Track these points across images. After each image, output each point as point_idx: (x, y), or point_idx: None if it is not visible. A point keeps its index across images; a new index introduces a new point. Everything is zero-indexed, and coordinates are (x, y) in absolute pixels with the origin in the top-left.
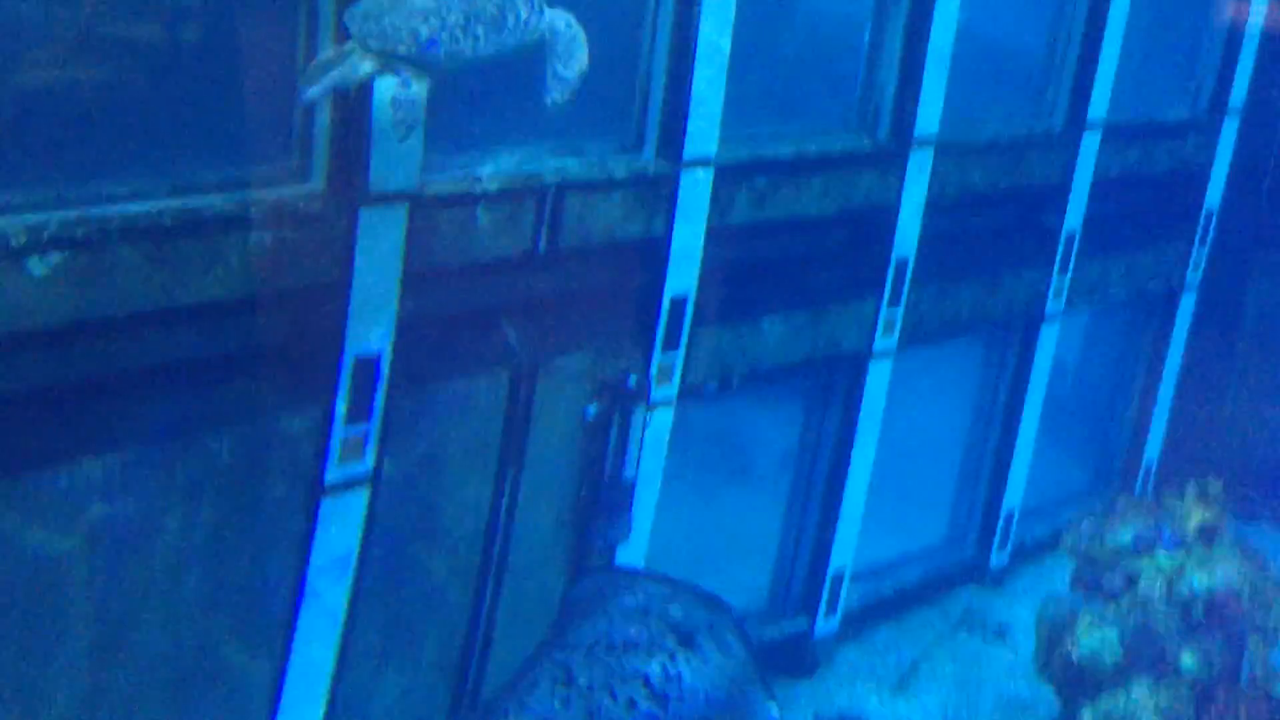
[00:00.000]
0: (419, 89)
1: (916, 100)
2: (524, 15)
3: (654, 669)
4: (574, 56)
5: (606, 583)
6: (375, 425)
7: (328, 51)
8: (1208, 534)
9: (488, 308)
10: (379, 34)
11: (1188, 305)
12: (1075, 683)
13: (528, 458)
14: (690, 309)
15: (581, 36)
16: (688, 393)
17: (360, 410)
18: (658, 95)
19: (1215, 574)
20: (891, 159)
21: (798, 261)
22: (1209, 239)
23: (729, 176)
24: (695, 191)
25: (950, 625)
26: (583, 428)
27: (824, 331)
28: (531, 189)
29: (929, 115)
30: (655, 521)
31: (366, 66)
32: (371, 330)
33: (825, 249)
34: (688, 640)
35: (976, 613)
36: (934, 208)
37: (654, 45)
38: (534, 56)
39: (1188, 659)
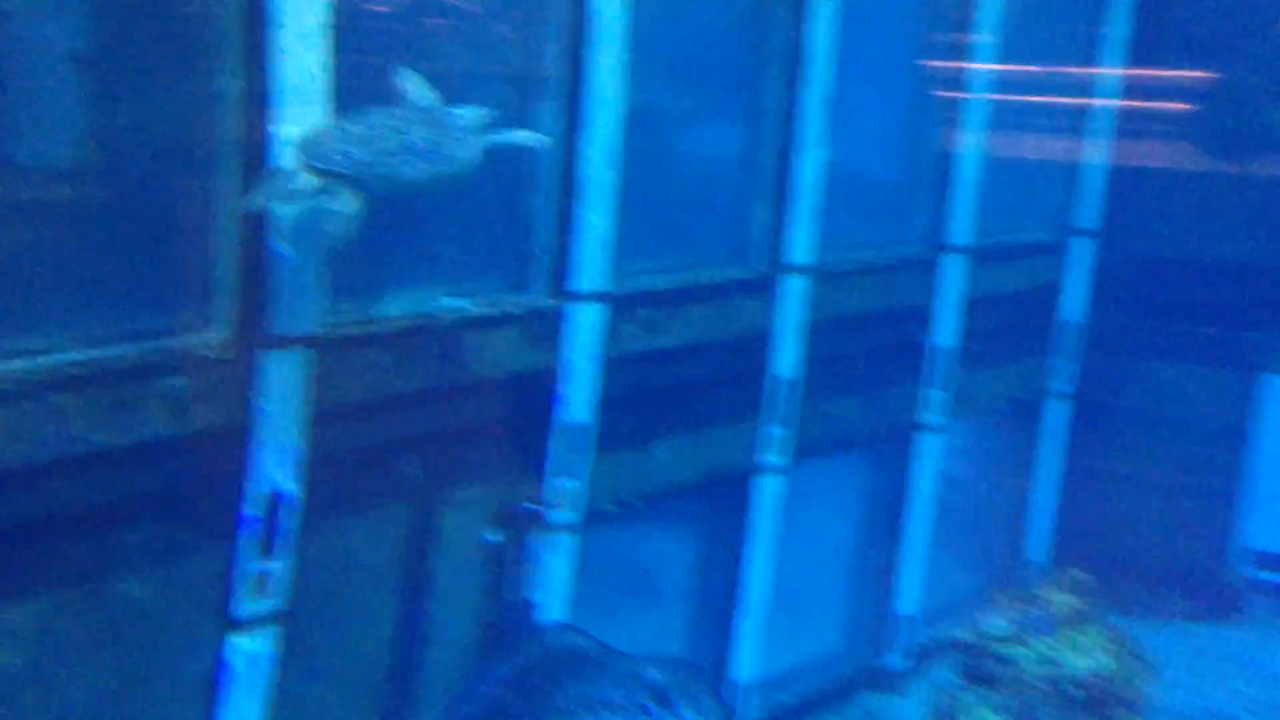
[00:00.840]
0: (353, 206)
1: (786, 231)
2: (452, 149)
3: None
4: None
5: (577, 646)
6: (283, 561)
7: (275, 170)
8: (1078, 619)
9: (390, 443)
10: (321, 155)
11: (1059, 413)
12: None
13: (434, 586)
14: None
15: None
16: (586, 517)
17: (269, 547)
18: (547, 234)
19: (1086, 656)
20: (767, 286)
21: (685, 387)
22: (1075, 350)
23: (616, 309)
24: (585, 324)
25: None
26: (486, 555)
27: (713, 452)
28: (428, 328)
29: (800, 244)
30: None
31: (307, 183)
32: (278, 469)
33: (710, 373)
34: (663, 699)
35: (877, 717)
36: (810, 330)
37: (543, 186)
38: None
39: None
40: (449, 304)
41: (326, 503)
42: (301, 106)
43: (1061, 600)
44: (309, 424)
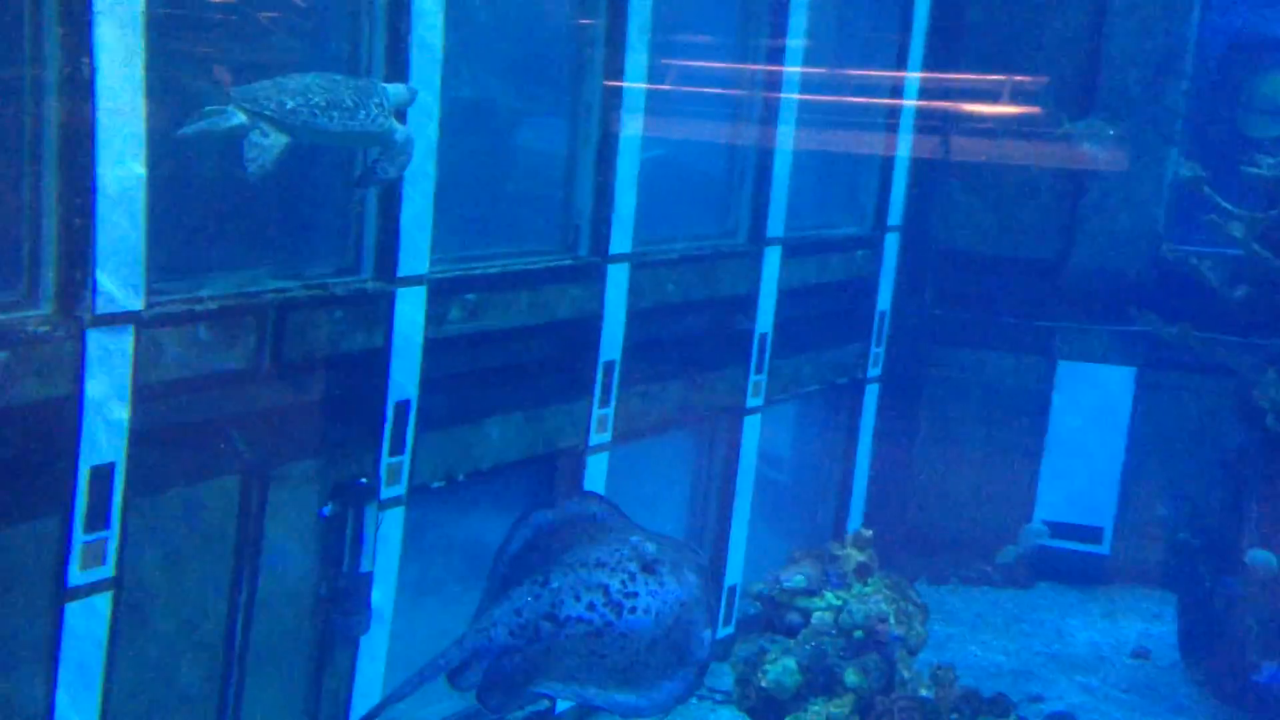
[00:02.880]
0: (275, 140)
1: (610, 221)
2: (374, 113)
3: (614, 584)
4: (399, 161)
5: (595, 513)
6: (114, 531)
7: (211, 106)
8: (863, 572)
9: (216, 418)
10: (252, 99)
11: (872, 395)
12: (765, 709)
13: (264, 557)
14: (413, 414)
15: (411, 147)
16: (416, 491)
17: (98, 517)
18: (372, 221)
19: (869, 604)
20: (592, 274)
21: (513, 368)
22: (884, 337)
23: (441, 293)
24: (411, 307)
25: None
26: (319, 527)
27: (542, 431)
28: (252, 307)
29: (622, 234)
30: (396, 615)
31: (238, 119)
32: (104, 442)
33: (538, 356)
34: (649, 568)
35: (706, 681)
36: (635, 316)
37: None
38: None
39: (851, 675)
40: (273, 284)
41: (155, 475)
42: (118, 93)
43: (850, 554)
44: (133, 397)
